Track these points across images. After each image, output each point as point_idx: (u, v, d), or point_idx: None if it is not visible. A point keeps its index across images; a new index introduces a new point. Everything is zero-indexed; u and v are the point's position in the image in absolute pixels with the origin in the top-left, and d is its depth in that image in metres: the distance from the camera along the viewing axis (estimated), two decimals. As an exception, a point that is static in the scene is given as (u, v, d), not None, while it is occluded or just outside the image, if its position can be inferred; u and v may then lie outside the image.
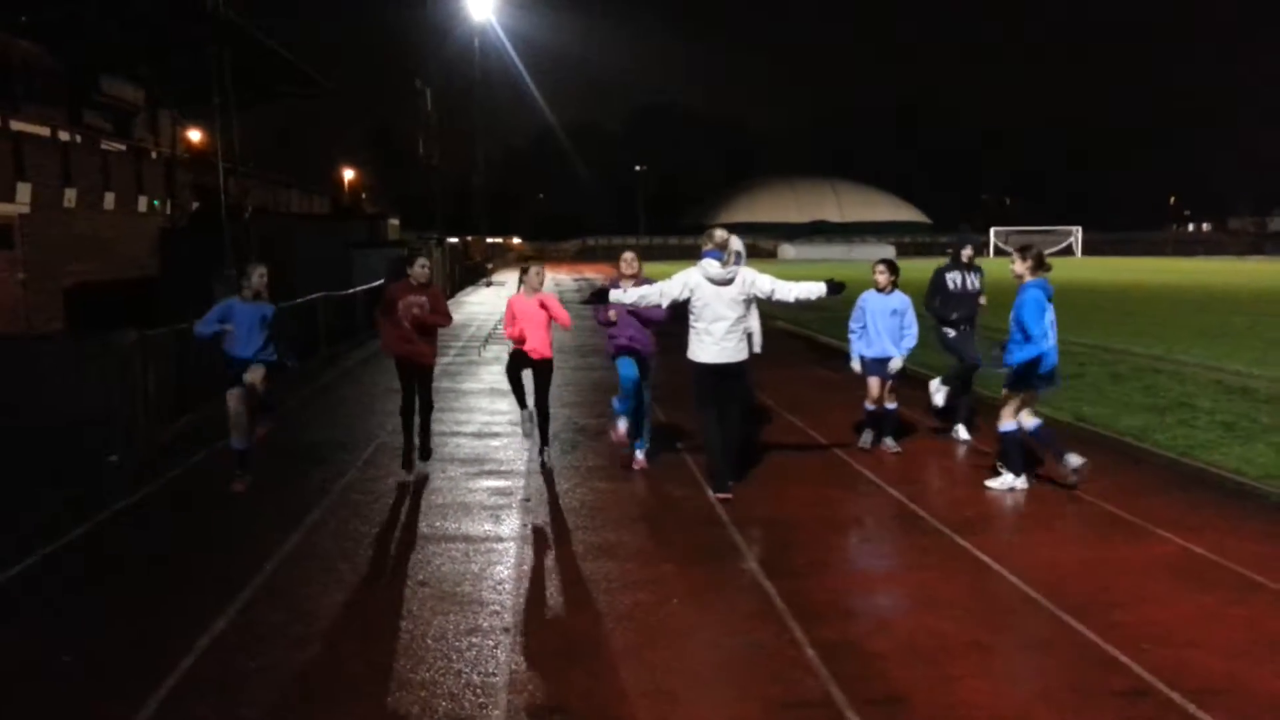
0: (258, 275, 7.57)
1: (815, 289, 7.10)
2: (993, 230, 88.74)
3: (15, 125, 21.77)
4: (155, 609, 5.22)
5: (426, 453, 8.23)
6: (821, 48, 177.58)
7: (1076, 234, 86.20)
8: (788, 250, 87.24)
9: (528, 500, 7.29)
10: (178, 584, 5.61)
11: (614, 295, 7.19)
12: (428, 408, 8.14)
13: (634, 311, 7.50)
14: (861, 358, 8.43)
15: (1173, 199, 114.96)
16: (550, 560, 5.95)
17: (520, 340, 7.90)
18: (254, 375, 7.43)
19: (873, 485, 7.60)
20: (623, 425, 7.87)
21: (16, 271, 20.15)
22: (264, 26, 28.28)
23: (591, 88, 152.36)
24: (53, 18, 24.72)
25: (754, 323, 7.93)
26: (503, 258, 71.92)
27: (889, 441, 8.66)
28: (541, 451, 8.27)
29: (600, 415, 10.45)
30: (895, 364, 8.29)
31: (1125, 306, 23.77)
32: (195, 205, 31.14)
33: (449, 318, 8.08)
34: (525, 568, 5.82)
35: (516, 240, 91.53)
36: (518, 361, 7.98)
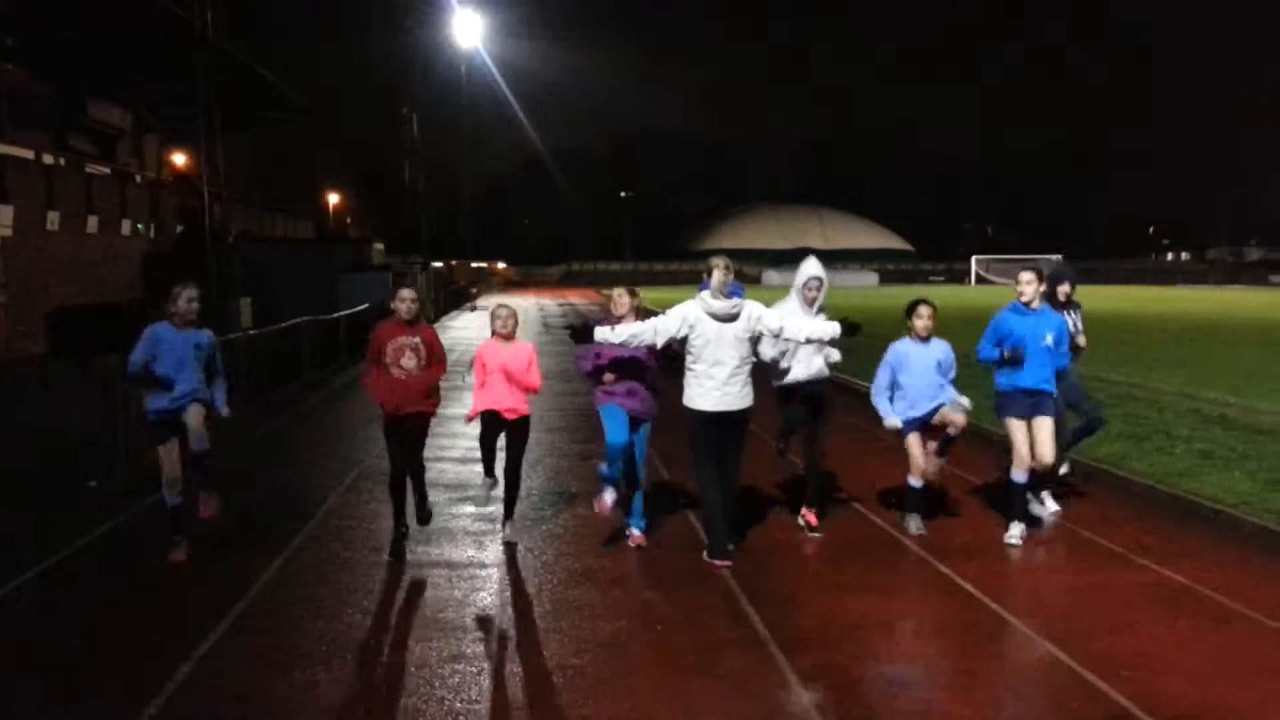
0: (185, 299, 6.43)
1: (828, 329, 6.30)
2: (974, 259, 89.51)
3: (-1, 148, 21.71)
4: (141, 634, 5.19)
5: (425, 516, 6.91)
6: (802, 76, 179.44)
7: (1057, 262, 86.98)
8: (772, 276, 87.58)
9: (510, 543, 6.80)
10: (162, 609, 5.58)
11: (600, 333, 6.26)
12: (419, 473, 6.82)
13: (625, 360, 6.52)
14: (904, 422, 6.86)
15: (1151, 229, 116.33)
16: (533, 587, 5.95)
17: (487, 404, 6.68)
18: (194, 418, 6.36)
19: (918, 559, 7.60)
20: (610, 496, 6.47)
21: (-2, 295, 20.04)
22: (251, 52, 28.39)
23: (578, 114, 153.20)
24: (39, 41, 24.73)
25: (827, 329, 6.43)
26: (487, 282, 71.98)
27: (915, 521, 7.05)
28: (504, 524, 6.97)
29: (585, 440, 10.46)
30: (965, 401, 6.80)
31: (1109, 335, 23.98)
32: (180, 229, 31.09)
33: (444, 365, 6.79)
34: (508, 594, 5.82)
35: (501, 265, 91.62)
36: (491, 423, 6.74)
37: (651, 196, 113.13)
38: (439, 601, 5.69)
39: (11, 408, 10.09)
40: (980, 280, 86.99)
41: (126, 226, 26.73)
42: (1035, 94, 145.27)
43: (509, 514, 6.91)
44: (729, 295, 6.16)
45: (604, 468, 6.47)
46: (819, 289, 6.85)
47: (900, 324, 7.04)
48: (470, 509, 7.78)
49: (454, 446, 10.54)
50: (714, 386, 6.15)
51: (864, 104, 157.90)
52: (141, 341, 6.33)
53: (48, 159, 24.55)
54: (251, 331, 14.21)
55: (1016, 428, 6.69)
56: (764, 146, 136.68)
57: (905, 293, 53.76)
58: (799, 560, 6.48)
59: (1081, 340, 7.67)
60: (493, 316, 6.79)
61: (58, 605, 5.70)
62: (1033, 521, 6.91)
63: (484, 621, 5.38)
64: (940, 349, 6.90)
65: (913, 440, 6.85)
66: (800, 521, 7.12)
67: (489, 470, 6.92)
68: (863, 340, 6.83)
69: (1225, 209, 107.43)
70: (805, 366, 6.84)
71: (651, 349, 6.42)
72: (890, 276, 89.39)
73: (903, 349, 6.89)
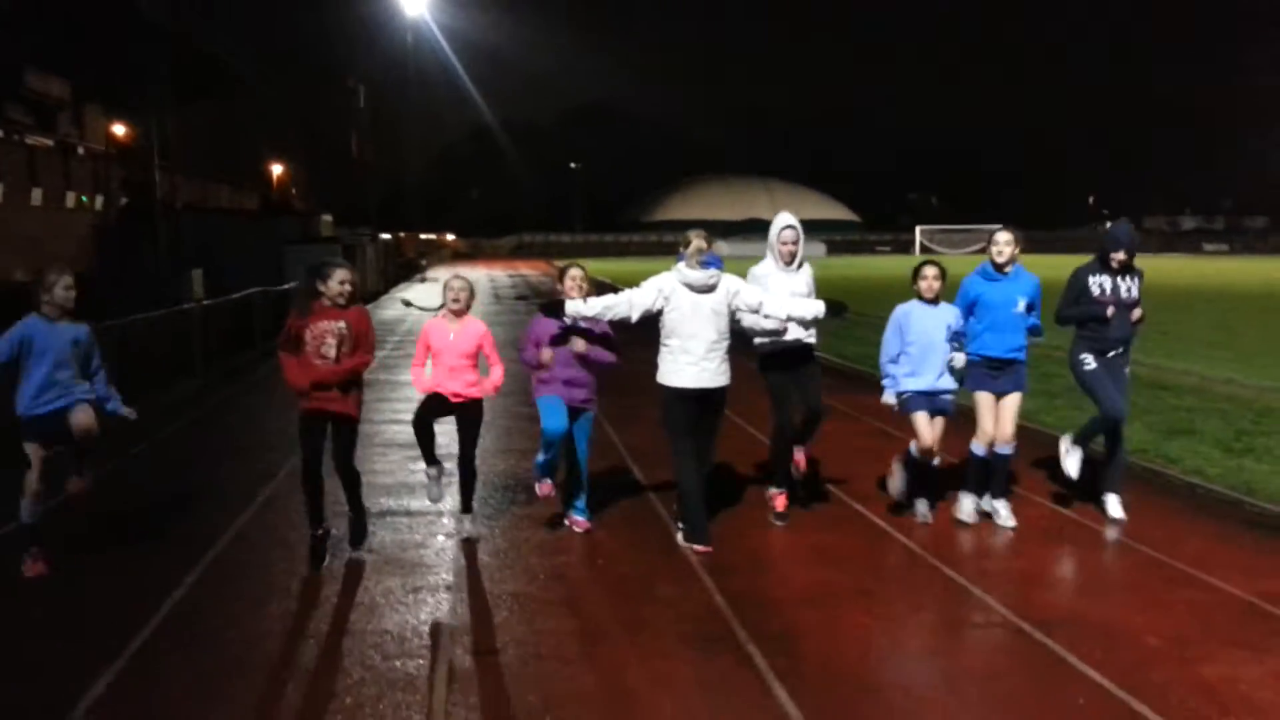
0: (63, 287, 5.59)
1: (812, 308, 6.00)
2: (919, 229, 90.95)
3: (-63, 120, 21.46)
4: (134, 569, 5.64)
5: (359, 536, 5.98)
6: (752, 50, 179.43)
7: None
8: (722, 247, 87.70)
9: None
10: (152, 541, 6.01)
11: (571, 306, 5.89)
12: (352, 480, 5.86)
13: (578, 333, 6.09)
14: (907, 397, 6.35)
15: (1091, 199, 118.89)
16: (487, 529, 6.48)
17: (431, 386, 6.06)
18: (83, 419, 5.52)
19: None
20: (548, 482, 6.31)
21: (-59, 268, 19.92)
22: (194, 22, 28.13)
23: (525, 85, 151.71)
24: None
25: (810, 308, 6.08)
26: (437, 254, 71.71)
27: (923, 506, 6.60)
28: (461, 520, 6.38)
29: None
30: (959, 358, 6.31)
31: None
32: (124, 201, 30.79)
33: (371, 354, 5.82)
34: (465, 535, 6.33)
35: (451, 236, 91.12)
36: (431, 406, 6.05)
37: (600, 168, 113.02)
38: (401, 543, 6.20)
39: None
40: (925, 250, 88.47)
41: (71, 199, 26.50)
42: (975, 68, 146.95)
43: (467, 509, 6.35)
44: (706, 266, 5.89)
45: (539, 458, 6.20)
46: (795, 241, 6.41)
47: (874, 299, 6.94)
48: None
49: (406, 411, 10.95)
50: (690, 362, 5.88)
51: (814, 76, 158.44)
52: (10, 335, 5.49)
53: (-12, 131, 24.29)
54: (206, 302, 14.45)
55: (984, 401, 6.40)
56: (712, 119, 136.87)
57: (855, 264, 54.34)
58: (759, 523, 7.04)
59: (1137, 313, 6.52)
60: (445, 288, 6.12)
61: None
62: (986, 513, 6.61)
63: (442, 559, 5.90)
64: (950, 313, 6.35)
65: (919, 417, 6.26)
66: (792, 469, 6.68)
67: (429, 458, 6.19)
68: (858, 320, 6.44)
69: (1161, 181, 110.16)
70: (792, 332, 6.39)
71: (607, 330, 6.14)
72: (838, 247, 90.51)
73: (906, 308, 6.39)
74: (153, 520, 6.74)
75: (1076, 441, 6.49)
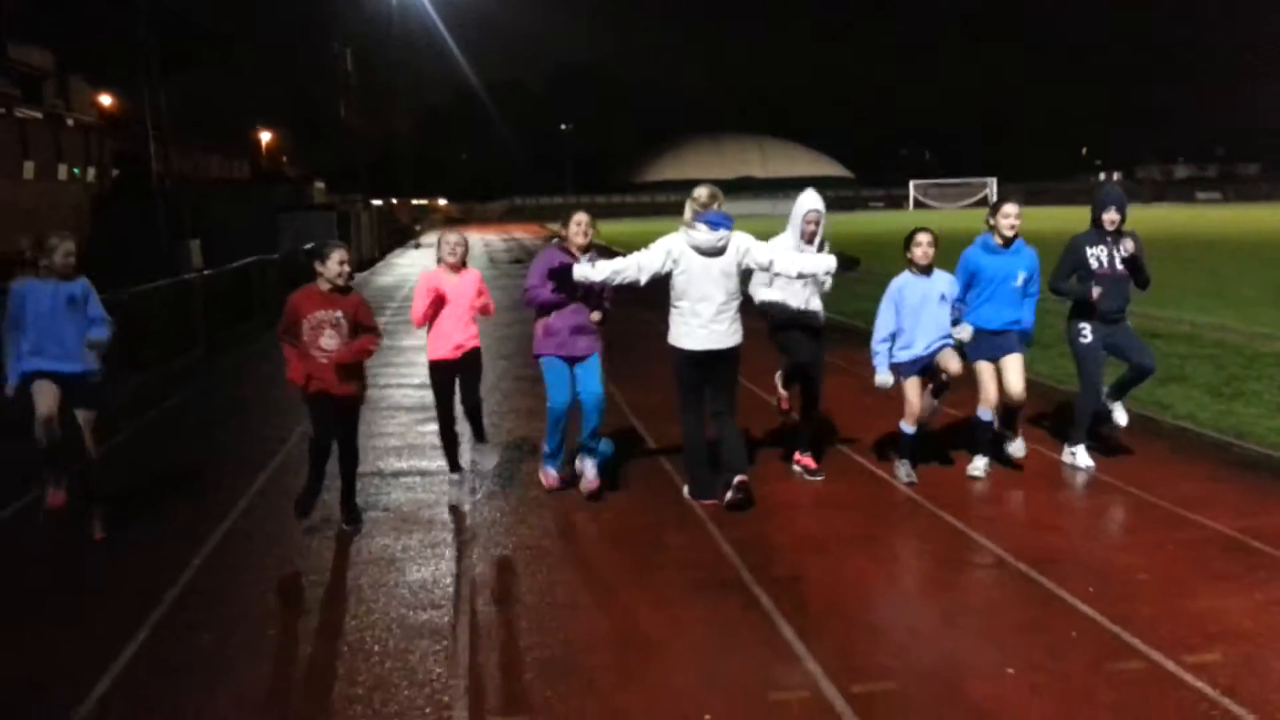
0: (62, 254, 5.60)
1: (823, 262, 5.91)
2: (912, 183, 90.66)
3: (-74, 94, 21.35)
4: (149, 541, 5.82)
5: (352, 517, 5.93)
6: (743, 7, 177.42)
7: (992, 185, 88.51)
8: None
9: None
10: (151, 523, 6.19)
11: (579, 271, 5.79)
12: (351, 459, 5.92)
13: (589, 293, 6.09)
14: (896, 366, 6.33)
15: (1084, 150, 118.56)
16: (499, 488, 6.66)
17: (440, 349, 6.14)
18: (86, 418, 5.66)
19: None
20: (553, 471, 6.38)
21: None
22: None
23: (512, 46, 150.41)
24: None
25: (821, 263, 5.99)
26: (429, 219, 71.45)
27: (904, 468, 6.53)
28: (478, 450, 6.41)
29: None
30: (964, 331, 6.31)
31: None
32: (116, 172, 30.68)
33: (377, 341, 5.86)
34: (478, 497, 6.52)
35: (443, 201, 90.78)
36: (445, 381, 6.18)
37: (590, 129, 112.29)
38: (414, 502, 6.39)
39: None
40: (919, 205, 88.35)
41: (63, 171, 26.42)
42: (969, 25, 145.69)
43: (480, 435, 6.37)
44: (716, 227, 5.78)
45: (547, 446, 6.27)
46: (818, 222, 6.38)
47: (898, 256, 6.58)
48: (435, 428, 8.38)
49: (414, 375, 11.12)
50: (700, 325, 5.83)
51: (805, 34, 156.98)
52: (10, 302, 5.58)
53: (-24, 104, 24.15)
54: (205, 272, 14.53)
55: (985, 369, 6.40)
56: (703, 77, 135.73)
57: (848, 220, 54.44)
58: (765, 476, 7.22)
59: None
60: (440, 243, 6.24)
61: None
62: (1006, 461, 6.73)
63: (454, 518, 6.08)
64: (944, 282, 6.31)
65: (910, 385, 6.30)
66: (795, 467, 6.78)
67: (454, 464, 6.37)
68: (862, 274, 6.49)
69: (1153, 132, 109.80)
70: (801, 303, 6.43)
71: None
72: (831, 204, 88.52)
73: (900, 282, 6.31)
74: (173, 484, 6.91)
75: (1110, 398, 6.69)
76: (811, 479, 6.63)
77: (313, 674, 4.13)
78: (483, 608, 4.74)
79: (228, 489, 6.73)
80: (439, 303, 6.07)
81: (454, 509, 6.22)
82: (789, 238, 6.42)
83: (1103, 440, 7.13)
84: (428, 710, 3.79)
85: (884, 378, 6.31)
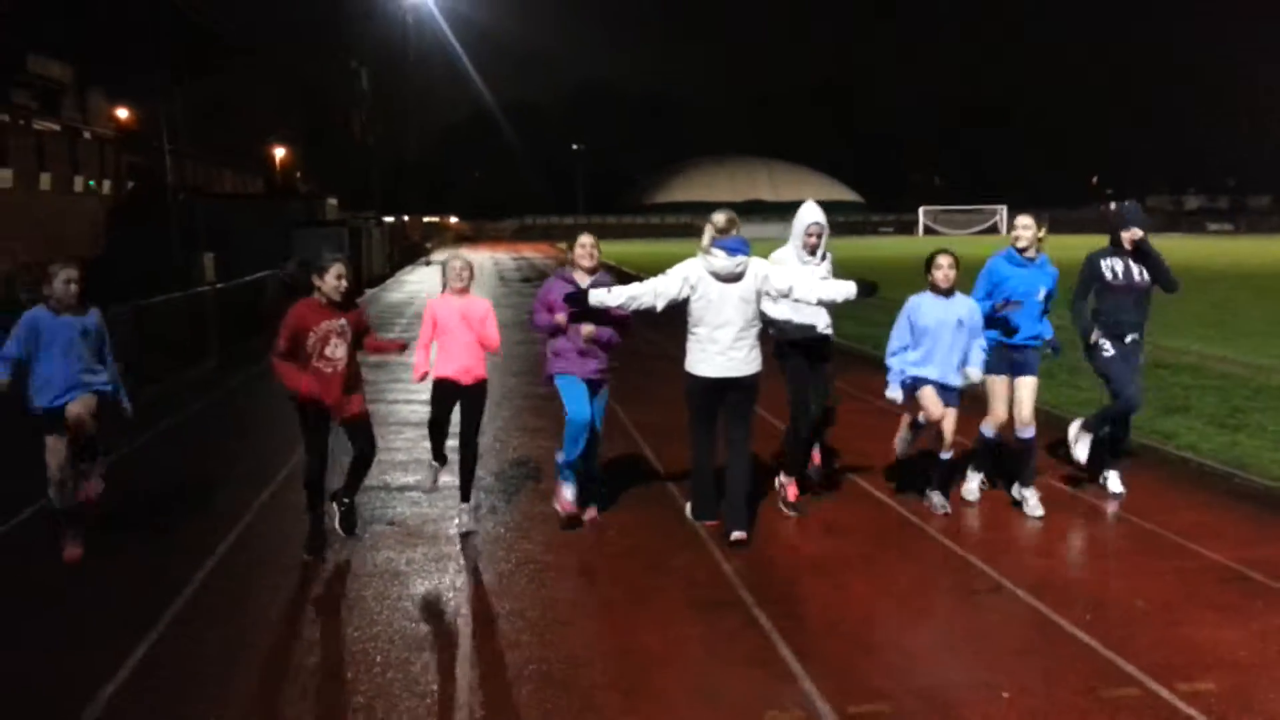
0: (62, 281, 5.48)
1: (843, 289, 5.81)
2: (921, 209, 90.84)
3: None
4: (171, 535, 5.89)
5: (353, 523, 5.98)
6: (750, 27, 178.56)
7: (1002, 212, 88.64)
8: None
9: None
10: (159, 532, 6.27)
11: (595, 296, 5.73)
12: (366, 464, 5.97)
13: (594, 314, 5.89)
14: (913, 381, 6.18)
15: (1095, 179, 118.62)
16: (502, 504, 6.73)
17: (442, 369, 6.01)
18: (82, 406, 5.50)
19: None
20: (569, 492, 6.12)
21: (-46, 253, 20.19)
22: (192, 2, 28.27)
23: (525, 65, 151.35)
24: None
25: (841, 289, 5.88)
26: (440, 237, 71.85)
27: (936, 498, 6.49)
28: (460, 511, 6.25)
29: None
30: (974, 373, 6.18)
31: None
32: (130, 185, 30.99)
33: (373, 333, 5.97)
34: (483, 510, 6.58)
35: (454, 219, 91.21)
36: (444, 395, 6.07)
37: (602, 150, 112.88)
38: (419, 517, 6.45)
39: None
40: (929, 231, 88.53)
41: (79, 183, 26.71)
42: (976, 48, 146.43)
43: (466, 496, 6.24)
44: (733, 253, 5.66)
45: (561, 456, 6.07)
46: (820, 235, 6.35)
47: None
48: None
49: (421, 391, 11.16)
50: (718, 351, 5.72)
51: (817, 57, 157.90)
52: (18, 330, 5.46)
53: (-3, 116, 24.49)
54: (219, 285, 14.68)
55: (997, 385, 6.32)
56: (712, 100, 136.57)
57: (857, 245, 54.36)
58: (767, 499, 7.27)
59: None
60: (446, 269, 6.13)
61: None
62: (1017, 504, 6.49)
63: (455, 529, 6.15)
64: (963, 306, 6.15)
65: (927, 391, 6.13)
66: (777, 483, 6.67)
67: (438, 454, 6.33)
68: (880, 300, 6.37)
69: (1164, 161, 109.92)
70: (808, 320, 6.35)
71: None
72: (840, 228, 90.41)
73: (917, 299, 6.21)
74: (183, 495, 6.99)
75: (1086, 428, 6.52)
76: (796, 507, 6.46)
77: (316, 682, 4.19)
78: (484, 621, 4.80)
79: (236, 499, 6.81)
80: (441, 330, 6.01)
81: (452, 521, 6.27)
82: (790, 250, 6.39)
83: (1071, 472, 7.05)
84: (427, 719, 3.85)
85: (894, 394, 6.20)
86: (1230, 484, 7.05)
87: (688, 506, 6.32)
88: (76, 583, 5.35)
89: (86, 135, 30.01)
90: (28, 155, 24.07)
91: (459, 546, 5.90)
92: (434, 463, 6.35)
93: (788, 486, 6.58)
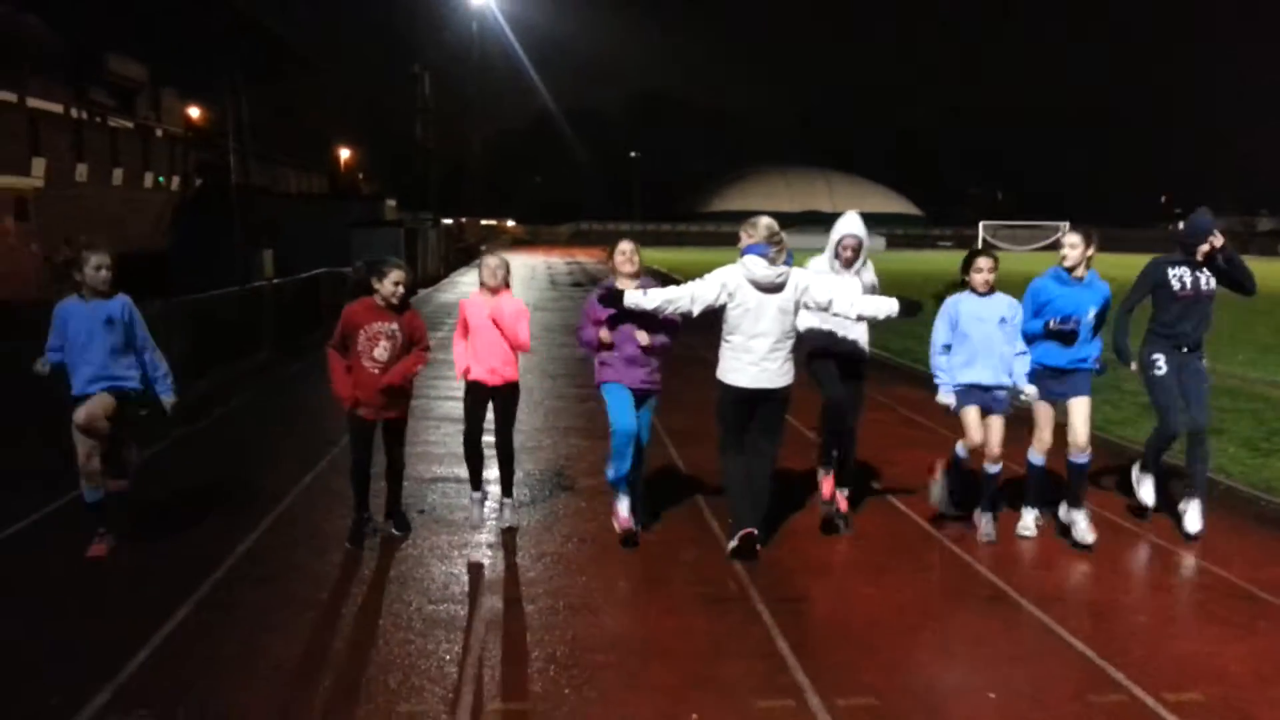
0: (93, 266, 5.48)
1: (885, 306, 5.67)
2: (981, 224, 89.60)
3: (31, 102, 22.61)
4: (200, 531, 6.24)
5: (401, 523, 6.12)
6: (815, 41, 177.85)
7: (1064, 228, 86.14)
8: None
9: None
10: (203, 510, 6.62)
11: (630, 299, 5.64)
12: (398, 473, 6.09)
13: (643, 317, 5.81)
14: (956, 389, 6.00)
15: (1164, 198, 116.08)
16: (529, 497, 6.98)
17: (473, 370, 6.13)
18: (94, 407, 5.41)
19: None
20: (624, 507, 6.00)
21: (32, 243, 21.07)
22: (264, 6, 29.15)
23: (588, 73, 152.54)
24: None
25: (883, 306, 5.75)
26: (496, 240, 72.77)
27: (985, 522, 6.20)
28: (501, 505, 6.38)
29: (584, 385, 11.41)
30: (1030, 390, 5.95)
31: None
32: (199, 182, 32.01)
33: (426, 350, 5.97)
34: (503, 526, 6.82)
35: (511, 223, 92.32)
36: (477, 405, 6.16)
37: (660, 157, 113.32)
38: (452, 507, 6.73)
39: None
40: (988, 246, 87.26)
41: (149, 179, 27.68)
42: (1042, 56, 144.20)
43: (508, 491, 6.36)
44: (765, 258, 5.53)
45: (611, 471, 5.92)
46: (856, 249, 6.13)
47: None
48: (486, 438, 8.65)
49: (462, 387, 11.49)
50: (752, 361, 5.59)
51: (873, 68, 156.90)
52: (53, 321, 5.50)
53: (75, 113, 25.46)
54: (276, 281, 15.19)
55: (1043, 410, 6.08)
56: (774, 110, 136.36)
57: (915, 258, 53.68)
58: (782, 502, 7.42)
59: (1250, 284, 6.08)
60: (480, 266, 6.18)
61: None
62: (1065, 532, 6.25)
63: (489, 519, 6.40)
64: (1004, 304, 5.98)
65: (969, 413, 5.96)
66: (825, 505, 6.43)
67: (476, 482, 6.34)
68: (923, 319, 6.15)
69: (1236, 180, 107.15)
70: (841, 329, 6.18)
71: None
72: (898, 241, 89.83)
73: (957, 298, 6.09)
74: (228, 478, 7.38)
75: (1145, 469, 6.31)
76: (839, 528, 6.31)
77: (337, 654, 4.46)
78: (498, 605, 5.05)
79: (280, 483, 7.15)
80: (471, 329, 6.09)
81: (483, 515, 6.52)
82: (824, 260, 6.22)
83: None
84: (437, 691, 4.10)
85: (945, 398, 5.98)
86: (1257, 507, 7.03)
87: (729, 545, 5.75)
88: (118, 553, 5.69)
89: (158, 133, 31.07)
90: (102, 151, 25.01)
91: (483, 534, 6.15)
92: (474, 493, 6.39)
93: (825, 480, 6.40)
